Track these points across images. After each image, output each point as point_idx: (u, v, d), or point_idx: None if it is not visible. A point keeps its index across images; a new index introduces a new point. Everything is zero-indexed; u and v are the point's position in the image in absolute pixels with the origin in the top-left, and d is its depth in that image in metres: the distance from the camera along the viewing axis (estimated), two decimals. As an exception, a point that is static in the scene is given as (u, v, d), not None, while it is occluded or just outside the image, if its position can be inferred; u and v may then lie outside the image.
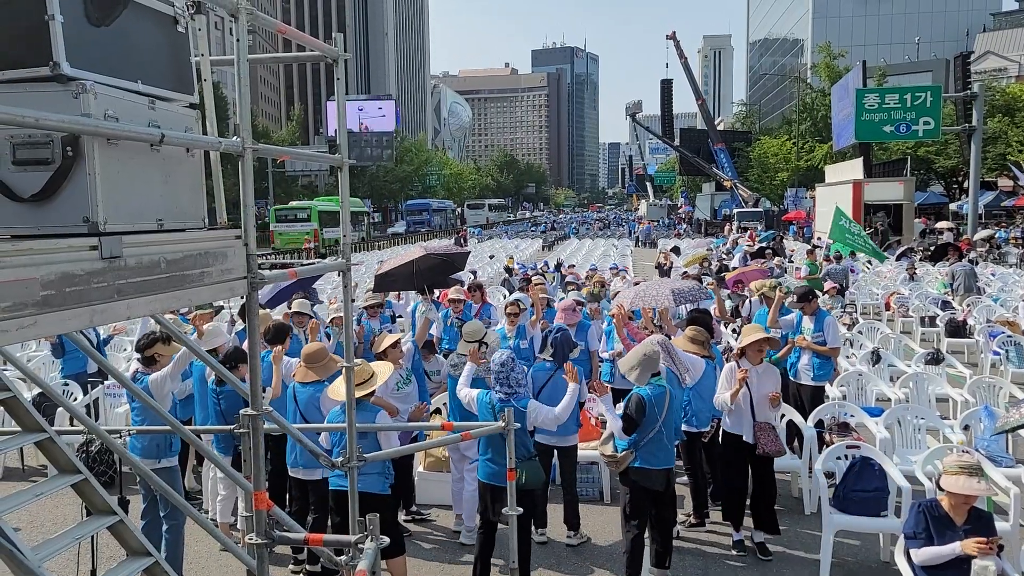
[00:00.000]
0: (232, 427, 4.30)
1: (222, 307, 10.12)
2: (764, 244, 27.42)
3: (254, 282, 3.10)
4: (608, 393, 5.77)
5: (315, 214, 45.90)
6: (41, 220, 2.45)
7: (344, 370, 4.15)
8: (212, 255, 2.93)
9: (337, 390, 5.48)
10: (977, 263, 23.91)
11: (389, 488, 5.45)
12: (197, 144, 2.97)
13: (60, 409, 7.30)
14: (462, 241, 42.89)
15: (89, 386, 8.58)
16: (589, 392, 7.20)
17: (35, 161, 2.42)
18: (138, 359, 6.07)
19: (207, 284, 2.89)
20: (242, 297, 3.20)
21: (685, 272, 15.78)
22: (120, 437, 4.65)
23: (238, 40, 2.98)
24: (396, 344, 6.56)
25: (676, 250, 30.31)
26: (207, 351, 6.21)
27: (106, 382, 8.59)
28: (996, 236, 31.25)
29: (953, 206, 44.42)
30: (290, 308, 8.75)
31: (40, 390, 7.13)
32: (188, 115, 3.11)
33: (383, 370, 5.75)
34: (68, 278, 2.22)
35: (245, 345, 7.16)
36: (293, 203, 50.88)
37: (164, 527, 5.70)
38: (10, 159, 2.44)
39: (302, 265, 3.90)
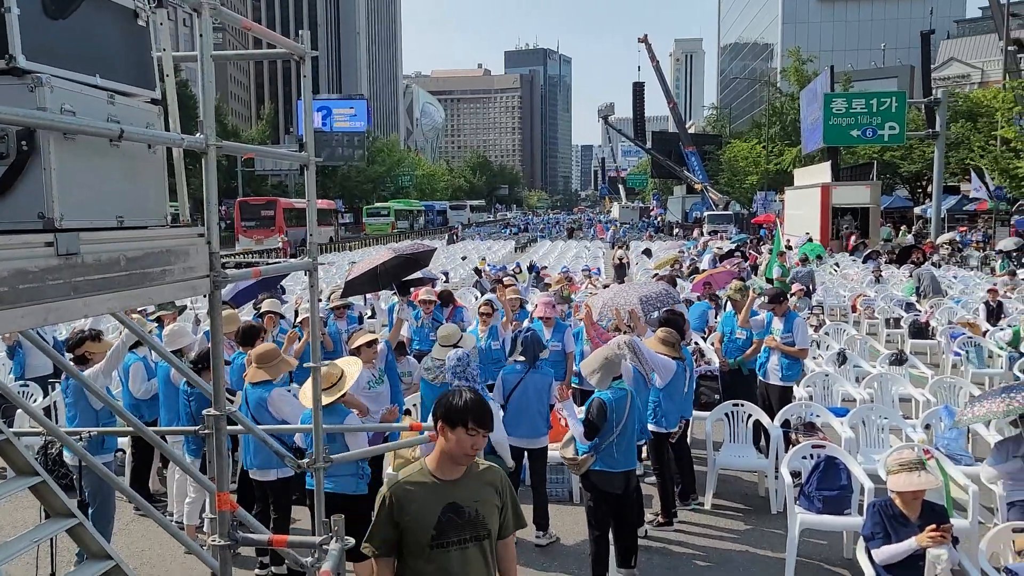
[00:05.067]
0: (196, 428, 4.26)
1: (185, 307, 10.00)
2: (735, 246, 27.68)
3: (217, 280, 3.06)
4: (569, 398, 5.78)
5: (392, 211, 70.51)
6: (-5, 216, 2.40)
7: (312, 371, 4.10)
8: (174, 253, 2.88)
9: (306, 393, 5.42)
10: (940, 266, 24.36)
11: (367, 487, 5.43)
12: (158, 140, 2.92)
13: (20, 411, 7.17)
14: (455, 238, 50.91)
15: (50, 387, 8.43)
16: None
17: (-11, 156, 2.37)
18: (70, 358, 5.99)
19: (169, 282, 2.84)
20: (205, 295, 3.16)
21: (656, 274, 15.88)
22: (80, 440, 4.57)
23: (201, 35, 2.94)
24: (372, 344, 6.52)
25: (648, 252, 30.52)
26: (172, 352, 6.16)
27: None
28: (957, 240, 31.85)
29: (918, 210, 45.21)
30: (256, 308, 8.67)
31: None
32: (150, 111, 3.07)
33: (352, 369, 5.67)
34: (22, 275, 2.17)
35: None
36: (378, 204, 73.96)
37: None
38: (-37, 153, 2.38)
39: (268, 264, 3.86)
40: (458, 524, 3.01)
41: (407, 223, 73.04)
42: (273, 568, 5.90)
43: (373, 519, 3.07)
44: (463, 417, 2.95)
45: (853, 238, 33.44)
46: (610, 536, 5.60)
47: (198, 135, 2.97)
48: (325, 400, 5.24)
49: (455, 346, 6.83)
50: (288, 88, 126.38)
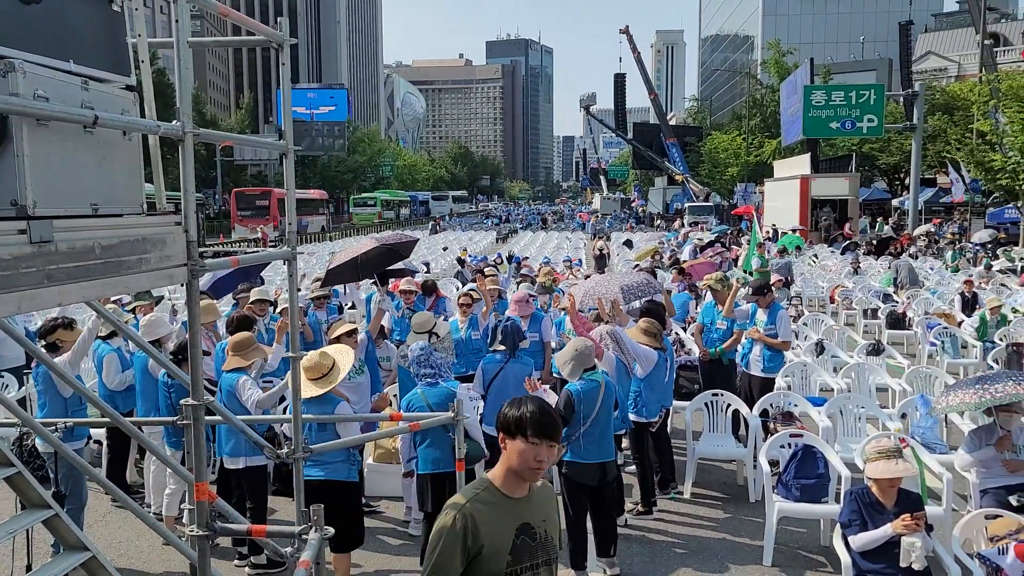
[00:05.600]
0: (175, 419, 4.23)
1: (162, 298, 9.91)
2: (714, 237, 27.84)
3: (194, 269, 3.04)
4: (538, 390, 5.79)
5: (379, 201, 72.33)
6: (-35, 203, 2.36)
7: (291, 361, 4.08)
8: (150, 241, 2.85)
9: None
10: (917, 257, 24.63)
11: (357, 475, 5.44)
12: (134, 127, 2.88)
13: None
14: (438, 228, 52.96)
15: (25, 378, 8.33)
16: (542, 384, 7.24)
17: (-41, 142, 2.33)
18: (41, 346, 5.94)
19: (145, 271, 2.81)
20: (182, 284, 3.13)
21: (637, 265, 15.94)
22: (56, 430, 4.52)
23: (177, 21, 2.90)
24: (352, 333, 6.50)
25: (628, 243, 30.63)
26: (149, 342, 6.11)
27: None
28: (933, 231, 32.24)
29: (895, 202, 45.67)
30: (236, 298, 8.61)
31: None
32: (125, 97, 3.03)
33: (344, 359, 5.63)
34: (-6, 263, 2.14)
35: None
36: (364, 194, 75.90)
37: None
38: (-68, 139, 2.34)
39: (246, 253, 3.83)
40: (531, 547, 2.66)
41: (393, 213, 75.18)
42: (252, 559, 5.87)
43: (436, 551, 2.55)
44: (520, 426, 2.61)
45: (848, 226, 33.74)
46: (588, 525, 5.64)
47: (175, 122, 2.94)
48: (318, 390, 5.24)
49: (430, 332, 6.83)
50: (268, 77, 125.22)
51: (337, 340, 6.32)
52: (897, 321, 14.03)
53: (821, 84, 42.14)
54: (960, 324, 12.80)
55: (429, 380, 5.62)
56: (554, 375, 8.42)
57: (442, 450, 5.28)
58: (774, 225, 32.24)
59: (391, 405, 7.46)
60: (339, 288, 11.00)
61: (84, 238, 2.52)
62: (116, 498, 4.09)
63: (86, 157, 2.71)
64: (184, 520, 6.20)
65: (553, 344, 8.65)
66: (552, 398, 6.10)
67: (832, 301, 17.17)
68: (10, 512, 5.96)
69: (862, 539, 4.56)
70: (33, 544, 4.69)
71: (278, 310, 8.69)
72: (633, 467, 7.14)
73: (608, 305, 7.74)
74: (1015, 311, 12.95)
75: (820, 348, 10.39)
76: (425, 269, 20.58)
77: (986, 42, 39.01)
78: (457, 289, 14.77)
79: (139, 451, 7.52)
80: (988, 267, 19.91)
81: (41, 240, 2.30)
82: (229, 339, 6.07)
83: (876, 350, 10.45)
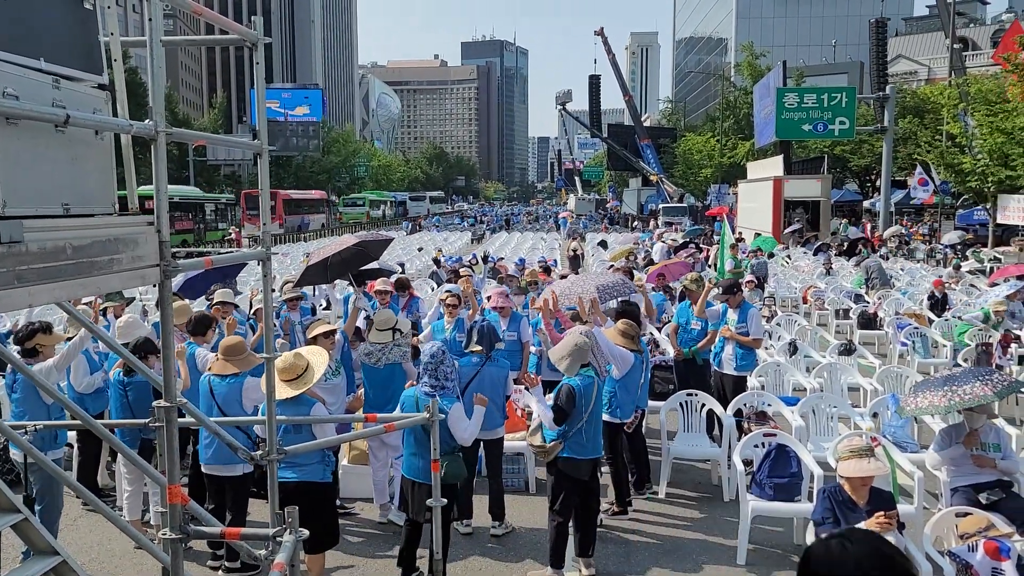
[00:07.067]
0: (147, 420, 4.18)
1: (133, 299, 9.79)
2: (688, 239, 28.03)
3: (167, 270, 3.00)
4: (538, 384, 5.81)
5: (366, 201, 76.65)
6: (-67, 203, 2.32)
7: (265, 362, 4.05)
8: (122, 242, 2.82)
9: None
10: (888, 258, 24.98)
11: (331, 476, 5.41)
12: (106, 126, 2.85)
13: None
14: (417, 228, 55.29)
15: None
16: (515, 384, 7.24)
17: (-74, 140, 2.29)
18: (19, 351, 5.84)
19: (117, 271, 2.78)
20: (155, 285, 3.10)
21: (612, 266, 15.99)
22: (25, 433, 4.45)
23: (150, 19, 2.87)
24: (330, 334, 6.46)
25: (604, 244, 30.75)
26: (124, 344, 6.03)
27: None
28: (903, 232, 32.70)
29: (867, 203, 46.24)
30: (209, 299, 8.53)
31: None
32: (97, 96, 2.99)
33: (318, 361, 5.59)
34: (-38, 263, 2.10)
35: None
36: (353, 195, 79.77)
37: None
38: (-102, 137, 2.30)
39: (220, 254, 3.80)
40: None
41: (380, 212, 79.96)
42: (227, 563, 5.82)
43: None
44: None
45: (868, 227, 34.11)
46: (569, 526, 5.66)
47: (147, 121, 2.90)
48: (292, 391, 5.20)
49: (393, 329, 6.78)
50: (241, 77, 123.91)
51: (314, 341, 6.29)
52: (868, 321, 14.20)
53: (794, 86, 42.57)
54: (930, 323, 12.99)
55: (427, 391, 5.53)
56: (533, 375, 8.41)
57: (425, 460, 5.24)
58: (740, 234, 32.48)
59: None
60: (307, 290, 10.92)
61: (55, 238, 2.49)
62: (87, 501, 4.04)
63: (57, 156, 2.68)
64: (153, 522, 6.14)
65: (532, 348, 8.65)
66: (531, 399, 6.10)
67: (805, 302, 17.34)
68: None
69: (834, 537, 4.61)
70: (2, 549, 4.61)
71: (253, 310, 8.61)
72: (607, 467, 7.17)
73: (588, 305, 7.76)
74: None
75: (793, 348, 10.50)
76: (400, 270, 20.54)
77: (955, 46, 39.69)
78: (432, 290, 14.75)
79: (111, 454, 7.42)
80: (957, 268, 20.24)
81: (11, 240, 2.27)
82: (221, 344, 5.99)
83: (848, 350, 10.57)
